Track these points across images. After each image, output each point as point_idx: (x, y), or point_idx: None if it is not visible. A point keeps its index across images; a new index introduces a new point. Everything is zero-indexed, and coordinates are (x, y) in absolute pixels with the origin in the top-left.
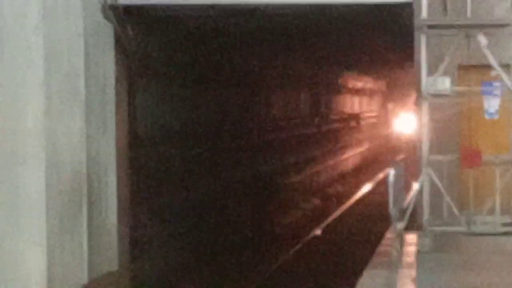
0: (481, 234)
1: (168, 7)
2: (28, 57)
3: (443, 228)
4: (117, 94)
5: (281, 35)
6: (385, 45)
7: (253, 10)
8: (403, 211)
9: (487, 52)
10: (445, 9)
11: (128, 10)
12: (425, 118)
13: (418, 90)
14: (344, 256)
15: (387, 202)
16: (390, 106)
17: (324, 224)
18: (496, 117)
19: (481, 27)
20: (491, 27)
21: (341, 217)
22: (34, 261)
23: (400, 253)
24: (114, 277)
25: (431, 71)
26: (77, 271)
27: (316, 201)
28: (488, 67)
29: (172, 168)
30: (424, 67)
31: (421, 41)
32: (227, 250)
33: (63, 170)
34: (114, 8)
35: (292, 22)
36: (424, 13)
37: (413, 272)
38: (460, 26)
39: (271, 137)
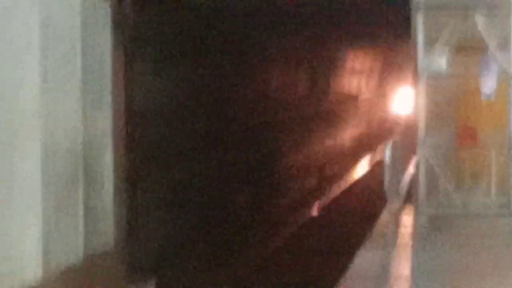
0: (477, 215)
1: None
2: (23, 36)
3: (439, 209)
4: (114, 72)
5: (278, 13)
6: (383, 25)
7: None
8: (398, 191)
9: (484, 33)
10: None
11: None
12: (422, 98)
13: (415, 70)
14: (339, 233)
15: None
16: (387, 86)
17: (321, 202)
18: (492, 98)
19: (479, 7)
20: (489, 7)
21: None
22: (29, 241)
23: (395, 233)
24: (110, 257)
25: (428, 52)
26: (73, 250)
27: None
28: (486, 48)
29: (170, 146)
30: (421, 48)
31: (418, 21)
32: (226, 230)
33: (59, 150)
34: None
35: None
36: None
37: (408, 253)
38: (457, 6)
39: (268, 117)
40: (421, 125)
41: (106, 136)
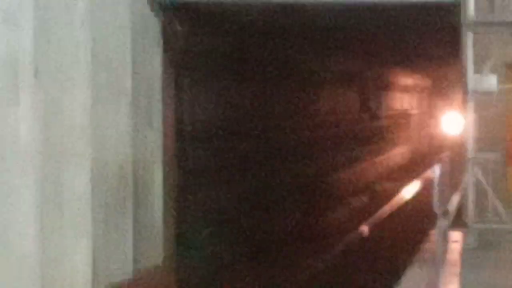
0: None
1: (216, 2)
2: (75, 51)
3: (488, 225)
4: (164, 89)
5: (329, 32)
6: (432, 43)
7: (302, 7)
8: (448, 209)
9: None
10: (492, 6)
11: (176, 4)
12: (471, 116)
13: (464, 88)
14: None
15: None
16: (437, 104)
17: (371, 220)
18: None
19: None
20: None
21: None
22: (79, 255)
23: (445, 251)
24: (159, 272)
25: (478, 69)
26: (122, 265)
27: (364, 198)
28: None
29: (218, 164)
30: (470, 65)
31: (468, 38)
32: (275, 247)
33: (108, 166)
34: (161, 2)
35: (340, 20)
36: (471, 11)
37: (457, 269)
38: (507, 23)
39: (319, 134)
40: (470, 142)
41: (155, 154)
